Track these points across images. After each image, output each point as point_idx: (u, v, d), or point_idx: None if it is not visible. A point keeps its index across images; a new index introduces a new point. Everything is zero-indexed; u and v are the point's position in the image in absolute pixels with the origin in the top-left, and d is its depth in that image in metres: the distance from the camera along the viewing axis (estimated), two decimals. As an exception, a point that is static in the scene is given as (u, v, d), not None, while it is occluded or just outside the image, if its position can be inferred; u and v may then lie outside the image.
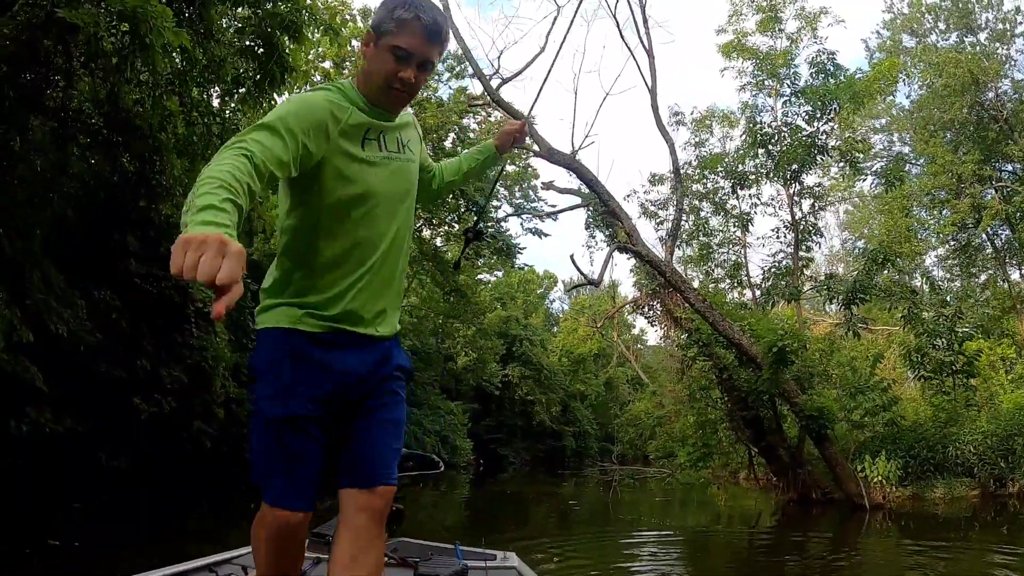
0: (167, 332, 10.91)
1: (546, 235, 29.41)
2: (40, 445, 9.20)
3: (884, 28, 24.34)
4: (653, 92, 12.54)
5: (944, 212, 21.60)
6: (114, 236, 10.76)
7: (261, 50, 7.44)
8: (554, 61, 2.58)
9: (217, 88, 9.97)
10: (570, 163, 11.81)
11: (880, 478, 11.23)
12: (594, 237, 15.29)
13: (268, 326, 1.76)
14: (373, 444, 1.78)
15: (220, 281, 1.04)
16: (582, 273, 12.11)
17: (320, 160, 1.65)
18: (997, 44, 22.32)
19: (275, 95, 7.95)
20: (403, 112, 1.85)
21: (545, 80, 2.39)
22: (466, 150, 2.02)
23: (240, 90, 7.57)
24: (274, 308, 1.77)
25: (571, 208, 16.00)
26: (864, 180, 17.00)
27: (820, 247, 17.73)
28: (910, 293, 12.06)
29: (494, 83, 13.74)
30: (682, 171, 15.49)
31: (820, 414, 10.57)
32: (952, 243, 22.20)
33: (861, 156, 13.70)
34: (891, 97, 23.87)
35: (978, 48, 22.05)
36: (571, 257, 12.72)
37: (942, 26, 23.59)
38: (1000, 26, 22.40)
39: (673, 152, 13.13)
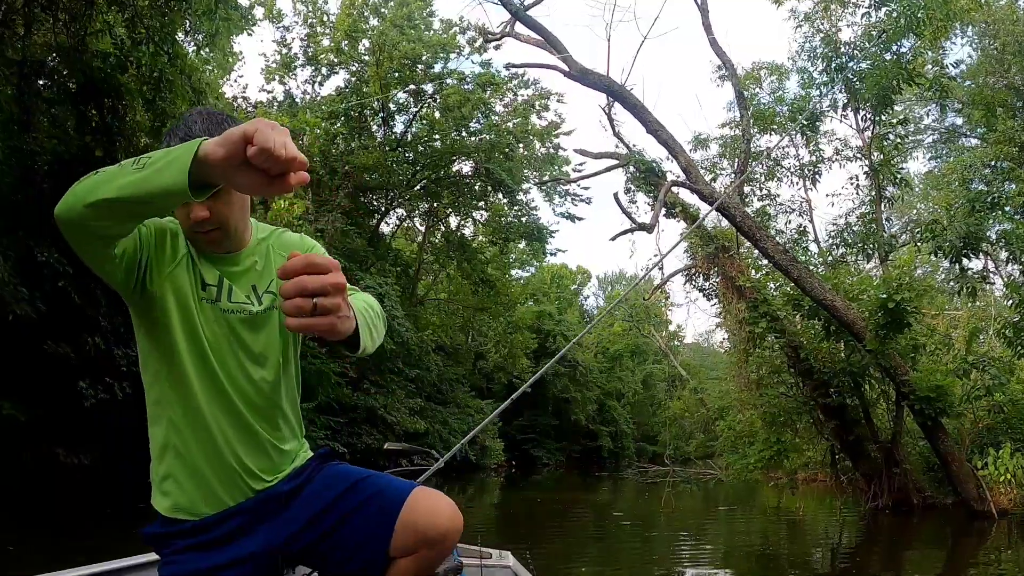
0: (126, 304, 9.12)
1: (579, 219, 27.41)
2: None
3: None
4: (704, 9, 10.43)
5: (1008, 184, 19.39)
6: (63, 191, 9.04)
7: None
8: None
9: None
10: (610, 85, 9.69)
11: (1009, 476, 8.91)
12: (635, 202, 13.34)
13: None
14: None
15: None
16: (629, 216, 10.00)
17: (160, 281, 1.38)
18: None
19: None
20: (256, 246, 1.50)
21: None
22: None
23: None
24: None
25: (607, 170, 13.93)
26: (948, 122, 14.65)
27: (903, 200, 15.34)
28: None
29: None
30: (733, 130, 13.38)
31: (937, 396, 8.26)
32: (1018, 217, 19.91)
33: (956, 76, 11.41)
34: (938, 67, 21.98)
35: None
36: (615, 196, 10.67)
37: (993, -15, 21.43)
38: (1056, -15, 20.04)
39: (733, 73, 10.95)
